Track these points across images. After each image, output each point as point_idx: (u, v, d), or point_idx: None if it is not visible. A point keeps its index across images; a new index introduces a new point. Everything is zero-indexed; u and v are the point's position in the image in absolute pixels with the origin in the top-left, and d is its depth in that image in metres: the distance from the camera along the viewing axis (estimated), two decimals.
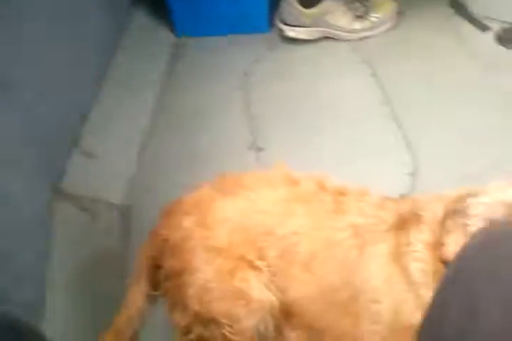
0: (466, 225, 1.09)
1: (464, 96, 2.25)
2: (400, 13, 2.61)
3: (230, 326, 1.33)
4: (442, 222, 1.15)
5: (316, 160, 2.05)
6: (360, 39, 2.57)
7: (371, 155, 2.07)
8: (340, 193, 1.38)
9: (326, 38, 2.59)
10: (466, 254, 0.90)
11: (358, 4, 2.51)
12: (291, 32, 2.53)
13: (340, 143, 2.13)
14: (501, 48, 2.44)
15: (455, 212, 1.12)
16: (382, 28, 2.56)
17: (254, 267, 1.34)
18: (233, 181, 1.44)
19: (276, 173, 1.43)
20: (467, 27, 2.55)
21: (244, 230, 1.35)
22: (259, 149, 2.11)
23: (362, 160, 2.05)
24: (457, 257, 0.90)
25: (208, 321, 1.34)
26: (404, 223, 1.25)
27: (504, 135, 2.07)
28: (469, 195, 1.11)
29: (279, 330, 1.46)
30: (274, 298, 1.34)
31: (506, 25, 2.51)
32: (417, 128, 2.14)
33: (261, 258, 1.35)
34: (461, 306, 0.83)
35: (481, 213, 1.08)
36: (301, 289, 1.35)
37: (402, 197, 1.83)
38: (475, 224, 1.07)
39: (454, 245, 1.10)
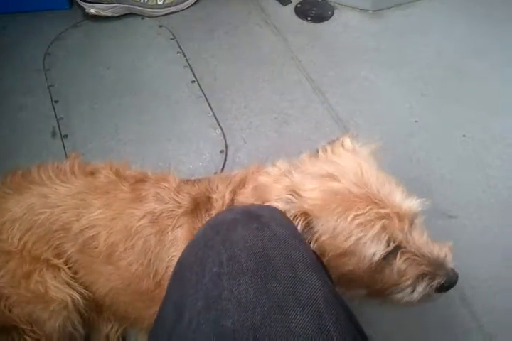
0: None
1: (268, 71, 2.30)
2: None
3: (33, 331, 1.27)
4: None
5: (125, 144, 2.00)
6: (166, 15, 2.51)
7: (184, 134, 2.06)
8: (140, 180, 1.36)
9: (131, 14, 2.50)
10: (188, 246, 0.93)
11: None
12: (91, 9, 2.40)
13: (151, 123, 2.09)
14: (300, 21, 2.52)
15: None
16: (186, 4, 2.52)
17: (51, 266, 1.29)
18: (24, 176, 1.35)
19: (71, 165, 1.37)
20: (269, 1, 2.61)
21: (38, 228, 1.29)
22: (64, 136, 2.00)
23: (175, 140, 2.04)
24: (183, 249, 0.93)
25: (9, 329, 1.27)
26: (197, 207, 1.27)
27: (306, 111, 2.16)
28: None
29: (91, 326, 1.43)
30: (77, 296, 1.30)
31: None
32: (224, 106, 2.16)
33: (58, 256, 1.30)
34: (174, 302, 0.85)
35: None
36: (106, 282, 1.32)
37: (212, 175, 1.87)
38: None
39: None
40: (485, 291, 1.70)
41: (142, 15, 2.50)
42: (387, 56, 2.38)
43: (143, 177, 1.37)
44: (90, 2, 2.39)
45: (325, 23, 2.53)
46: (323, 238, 1.07)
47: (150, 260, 1.27)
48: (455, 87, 2.27)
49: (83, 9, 2.44)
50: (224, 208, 1.21)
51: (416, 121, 2.14)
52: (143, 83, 2.23)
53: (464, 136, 2.11)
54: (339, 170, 1.12)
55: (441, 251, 1.12)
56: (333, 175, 1.11)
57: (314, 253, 1.00)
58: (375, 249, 1.05)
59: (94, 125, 2.05)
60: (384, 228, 1.05)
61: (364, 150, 1.23)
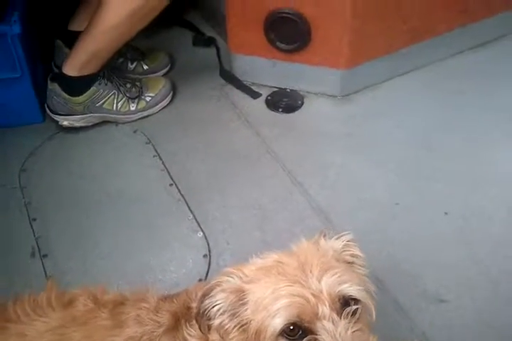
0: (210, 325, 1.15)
1: (243, 166, 2.33)
2: (174, 89, 2.65)
3: None
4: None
5: (105, 257, 1.98)
6: (140, 119, 2.56)
7: (165, 241, 2.05)
8: (119, 303, 1.34)
9: (105, 121, 2.54)
10: None
11: (129, 86, 2.50)
12: (64, 121, 2.44)
13: (130, 232, 2.08)
14: (271, 113, 2.58)
15: (199, 312, 1.16)
16: (159, 107, 2.58)
17: None
18: None
19: (48, 296, 1.34)
20: (239, 95, 2.67)
21: None
22: (44, 256, 1.98)
23: (156, 248, 2.02)
24: None
25: None
26: (178, 321, 1.25)
27: (286, 204, 2.17)
28: (205, 294, 1.15)
29: None
30: None
31: (273, 90, 2.68)
32: (204, 206, 2.16)
33: None
34: None
35: (217, 311, 1.13)
36: None
37: (198, 282, 1.85)
38: (218, 321, 1.14)
39: None
40: None
41: (116, 122, 2.54)
42: (360, 140, 2.42)
43: (122, 300, 1.35)
44: (63, 115, 2.44)
45: (296, 112, 2.59)
46: (249, 310, 1.11)
47: None
48: (430, 165, 2.30)
49: (56, 122, 2.48)
50: None
51: (397, 204, 2.15)
52: (120, 190, 2.23)
53: (445, 213, 2.11)
54: (287, 256, 1.15)
55: None
56: (279, 260, 1.14)
57: None
58: (275, 322, 1.05)
59: (73, 241, 2.03)
60: (292, 304, 1.04)
61: (335, 242, 1.22)
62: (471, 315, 1.80)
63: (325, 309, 1.04)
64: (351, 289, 1.08)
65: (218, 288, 1.15)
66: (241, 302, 1.13)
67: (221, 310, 1.14)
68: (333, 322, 1.04)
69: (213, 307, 1.14)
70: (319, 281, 1.07)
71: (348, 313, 1.06)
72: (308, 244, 1.20)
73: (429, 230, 2.07)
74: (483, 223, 2.07)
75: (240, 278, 1.15)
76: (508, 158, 2.30)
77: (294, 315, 1.04)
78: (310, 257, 1.14)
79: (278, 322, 1.05)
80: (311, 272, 1.09)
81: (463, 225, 2.07)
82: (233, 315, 1.13)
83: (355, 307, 1.08)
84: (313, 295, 1.05)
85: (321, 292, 1.06)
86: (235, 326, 1.13)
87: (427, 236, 2.04)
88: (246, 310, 1.12)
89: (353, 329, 1.04)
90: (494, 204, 2.13)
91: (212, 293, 1.15)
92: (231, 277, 1.16)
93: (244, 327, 1.12)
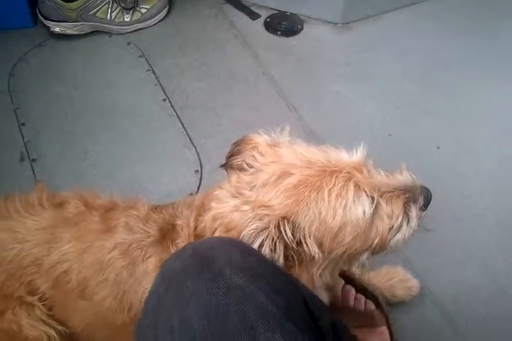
0: None
1: (240, 87, 2.28)
2: (171, 4, 2.55)
3: None
4: None
5: (96, 166, 1.95)
6: (134, 31, 2.47)
7: (157, 154, 2.03)
8: (109, 209, 1.31)
9: (98, 31, 2.45)
10: (144, 305, 0.91)
11: None
12: (56, 27, 2.35)
13: (122, 144, 2.05)
14: (270, 35, 2.51)
15: None
16: (154, 20, 2.49)
17: (25, 304, 1.24)
18: None
19: (39, 196, 1.32)
20: (238, 15, 2.58)
21: (8, 265, 1.24)
22: (33, 160, 1.95)
23: (148, 161, 2.00)
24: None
25: None
26: (164, 236, 1.23)
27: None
28: None
29: None
30: (53, 332, 1.25)
31: (273, 12, 2.59)
32: (198, 124, 2.13)
33: (31, 292, 1.25)
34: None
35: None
36: (82, 318, 1.28)
37: (188, 196, 1.83)
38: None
39: None
40: (466, 305, 1.69)
41: (109, 33, 2.45)
42: (359, 69, 2.37)
43: (112, 206, 1.32)
44: (55, 21, 2.34)
45: (295, 36, 2.52)
46: (314, 228, 1.05)
47: (124, 293, 1.23)
48: (426, 100, 2.27)
49: (48, 28, 2.38)
50: (190, 237, 1.16)
51: (390, 135, 2.14)
52: (112, 103, 2.18)
53: (438, 147, 2.11)
54: (282, 165, 1.10)
55: (404, 176, 1.18)
56: (281, 173, 1.09)
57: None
58: (362, 207, 1.07)
59: (63, 147, 2.01)
60: (357, 185, 1.07)
61: (283, 138, 1.20)
62: (454, 245, 1.83)
63: (367, 174, 1.11)
64: (363, 151, 1.16)
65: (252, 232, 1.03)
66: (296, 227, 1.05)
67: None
68: (374, 177, 1.13)
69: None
70: (339, 160, 1.10)
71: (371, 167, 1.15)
72: (274, 149, 1.16)
73: (420, 162, 2.04)
74: (475, 160, 2.07)
75: (273, 210, 1.05)
76: (504, 97, 2.28)
77: (369, 192, 1.09)
78: (298, 154, 1.11)
79: (366, 205, 1.07)
80: (323, 161, 1.09)
81: (454, 160, 2.07)
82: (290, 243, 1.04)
83: (370, 163, 1.15)
84: (355, 169, 1.09)
85: (353, 164, 1.10)
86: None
87: (417, 168, 2.02)
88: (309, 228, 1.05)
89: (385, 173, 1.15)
90: (487, 143, 2.13)
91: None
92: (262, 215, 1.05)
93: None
